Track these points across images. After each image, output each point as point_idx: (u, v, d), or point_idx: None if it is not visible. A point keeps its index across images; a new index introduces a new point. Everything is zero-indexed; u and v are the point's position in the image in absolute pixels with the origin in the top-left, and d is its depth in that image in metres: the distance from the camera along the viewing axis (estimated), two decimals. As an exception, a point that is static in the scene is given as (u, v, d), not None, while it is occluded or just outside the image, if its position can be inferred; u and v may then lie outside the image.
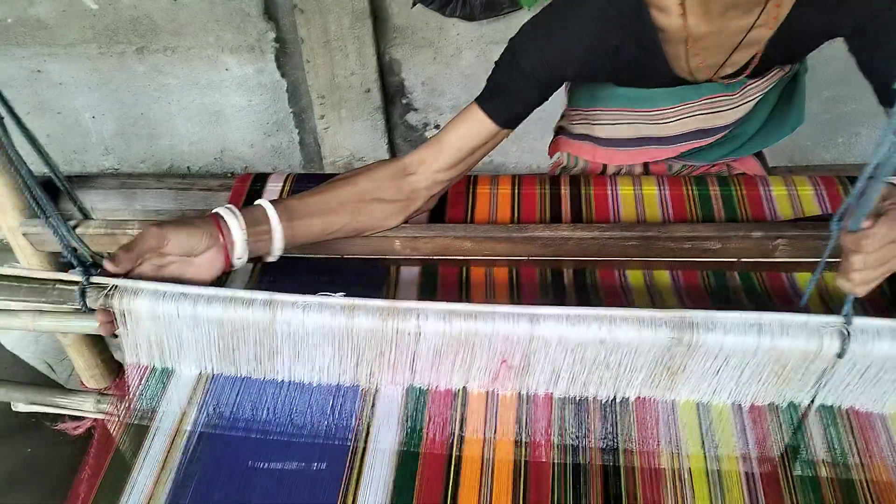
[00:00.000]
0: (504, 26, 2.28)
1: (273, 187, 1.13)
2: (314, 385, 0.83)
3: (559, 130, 1.27)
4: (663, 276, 0.97)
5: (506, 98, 0.91)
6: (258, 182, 1.14)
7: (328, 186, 0.92)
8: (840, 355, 0.70)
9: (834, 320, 0.71)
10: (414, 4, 2.12)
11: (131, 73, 2.52)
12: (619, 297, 0.94)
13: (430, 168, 0.93)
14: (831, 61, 2.28)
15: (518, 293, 0.95)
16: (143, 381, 0.84)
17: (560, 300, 0.94)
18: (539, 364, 0.77)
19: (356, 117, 2.50)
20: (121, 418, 0.81)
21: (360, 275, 1.01)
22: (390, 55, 2.41)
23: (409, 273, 1.01)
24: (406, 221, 0.97)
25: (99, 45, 2.45)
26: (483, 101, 0.92)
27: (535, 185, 1.09)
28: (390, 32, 2.35)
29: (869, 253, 0.68)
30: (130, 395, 0.83)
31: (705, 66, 0.94)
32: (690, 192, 1.06)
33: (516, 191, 1.10)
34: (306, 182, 1.14)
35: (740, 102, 1.03)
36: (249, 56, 2.47)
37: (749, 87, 1.01)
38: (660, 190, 1.06)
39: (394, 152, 2.65)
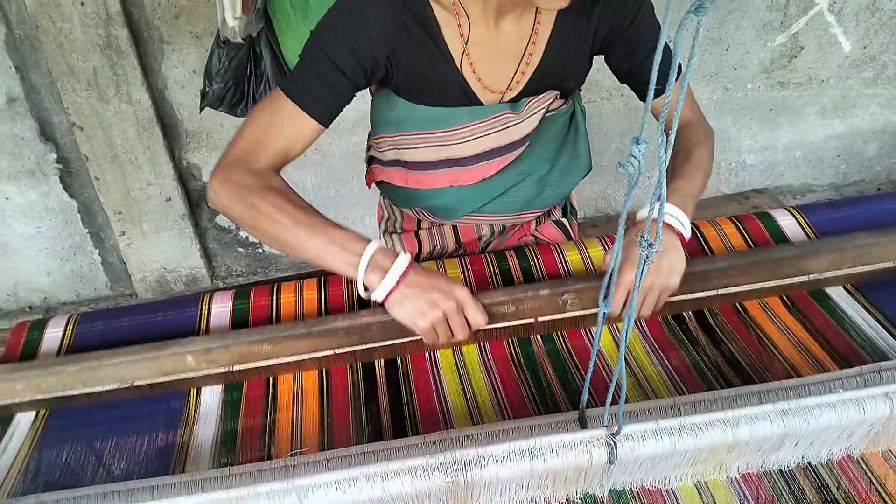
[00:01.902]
0: (301, 118, 2.28)
1: (53, 333, 1.03)
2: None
3: (371, 160, 1.30)
4: (472, 352, 0.97)
5: (322, 93, 0.96)
6: (36, 330, 1.03)
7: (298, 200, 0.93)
8: (611, 462, 0.72)
9: (599, 434, 0.73)
10: (202, 109, 2.06)
11: None
12: (430, 386, 0.92)
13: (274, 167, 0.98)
14: (616, 115, 2.52)
15: (328, 400, 0.91)
16: None
17: (372, 398, 0.91)
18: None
19: (161, 228, 2.37)
20: None
21: (155, 404, 0.92)
22: (187, 160, 2.33)
23: (211, 395, 0.93)
24: None
25: None
26: (301, 101, 0.96)
27: (342, 283, 1.07)
28: (183, 138, 2.28)
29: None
30: None
31: (488, 85, 1.05)
32: (492, 271, 1.09)
33: (323, 295, 1.07)
34: (90, 321, 1.04)
35: (526, 116, 1.10)
36: (31, 181, 2.28)
37: (531, 104, 1.10)
38: (463, 271, 1.09)
39: (209, 257, 2.54)
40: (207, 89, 2.08)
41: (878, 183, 3.01)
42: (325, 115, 0.98)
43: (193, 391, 0.94)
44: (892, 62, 2.63)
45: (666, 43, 0.49)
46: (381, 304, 0.89)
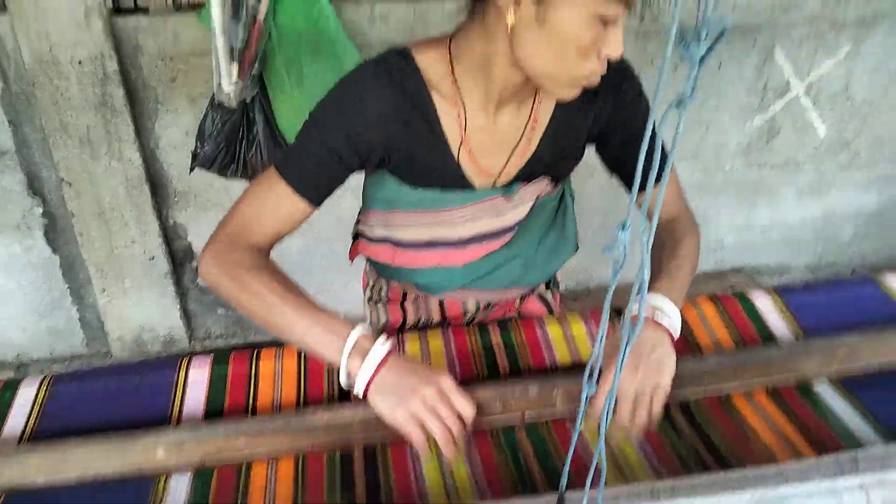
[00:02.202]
0: (289, 182, 2.30)
1: (26, 394, 1.01)
2: None
3: (358, 234, 1.30)
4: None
5: (316, 176, 0.98)
6: (7, 390, 1.02)
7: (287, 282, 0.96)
8: None
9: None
10: (192, 170, 2.09)
11: None
12: (408, 467, 0.91)
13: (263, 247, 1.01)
14: (599, 192, 2.57)
15: (302, 492, 0.88)
16: None
17: (349, 485, 0.88)
18: None
19: (142, 286, 2.36)
20: None
21: (122, 492, 0.87)
22: (174, 219, 2.33)
23: (178, 485, 0.89)
24: None
25: None
26: (295, 183, 0.98)
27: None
28: (171, 197, 2.29)
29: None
30: None
31: (483, 170, 1.06)
32: (475, 345, 1.09)
33: (302, 365, 1.06)
34: (65, 383, 1.03)
35: (519, 204, 1.11)
36: (15, 235, 2.27)
37: (522, 191, 1.11)
38: (446, 345, 1.09)
39: (188, 318, 2.51)
40: (199, 150, 2.12)
41: (852, 265, 3.07)
42: (319, 198, 1.00)
43: (162, 478, 0.89)
44: (865, 149, 2.73)
45: (662, 142, 0.51)
46: (364, 398, 0.88)
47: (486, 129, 1.04)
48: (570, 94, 0.93)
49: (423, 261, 1.17)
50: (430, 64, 1.00)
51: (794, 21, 2.37)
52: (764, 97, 2.51)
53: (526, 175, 1.10)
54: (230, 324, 2.55)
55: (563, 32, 0.85)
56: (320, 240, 2.44)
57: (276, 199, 0.99)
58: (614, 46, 0.87)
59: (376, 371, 0.86)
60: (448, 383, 0.87)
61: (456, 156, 1.04)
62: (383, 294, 1.33)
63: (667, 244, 1.09)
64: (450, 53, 1.00)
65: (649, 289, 0.99)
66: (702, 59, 0.42)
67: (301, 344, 0.91)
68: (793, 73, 2.48)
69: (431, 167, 1.05)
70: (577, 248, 1.27)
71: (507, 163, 1.08)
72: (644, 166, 0.49)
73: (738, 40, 2.37)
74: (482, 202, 1.09)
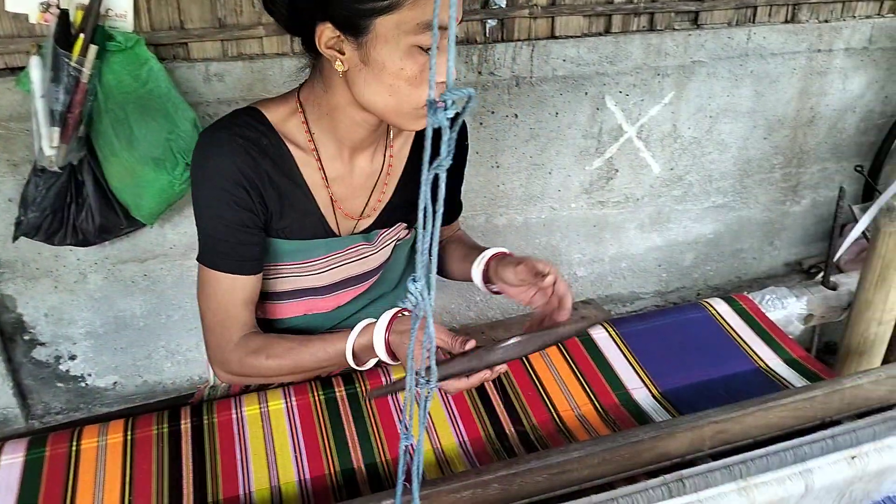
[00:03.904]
0: (130, 245, 2.20)
1: None
2: None
3: None
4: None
5: (242, 251, 1.03)
6: None
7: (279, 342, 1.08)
8: None
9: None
10: (15, 238, 1.95)
11: None
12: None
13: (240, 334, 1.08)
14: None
15: None
16: None
17: None
18: None
19: (-34, 366, 2.16)
20: None
21: None
22: (1, 291, 2.16)
23: None
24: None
25: None
26: (234, 269, 1.03)
27: (153, 424, 1.03)
28: (-5, 268, 2.13)
29: None
30: None
31: (346, 216, 1.12)
32: (317, 399, 1.09)
33: (129, 437, 1.01)
34: None
35: (379, 248, 1.17)
36: None
37: (382, 236, 1.16)
38: (286, 402, 1.08)
39: (23, 394, 2.32)
40: (23, 218, 1.98)
41: (696, 289, 3.29)
42: (258, 266, 1.06)
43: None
44: (697, 181, 2.94)
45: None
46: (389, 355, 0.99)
47: (344, 177, 1.09)
48: (419, 124, 0.98)
49: (291, 311, 1.17)
50: (283, 119, 1.04)
51: (620, 71, 2.54)
52: (600, 141, 2.66)
53: (384, 222, 1.16)
54: (72, 397, 2.39)
55: (388, 68, 0.90)
56: (165, 302, 2.34)
57: (229, 292, 1.04)
58: (440, 72, 0.92)
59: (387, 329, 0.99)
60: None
61: (320, 206, 1.08)
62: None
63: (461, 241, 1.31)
64: (300, 106, 1.04)
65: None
66: (454, 123, 0.45)
67: (329, 363, 1.06)
68: (624, 118, 2.65)
69: (297, 220, 1.08)
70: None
71: (365, 208, 1.13)
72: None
73: (570, 90, 2.50)
74: (346, 250, 1.13)
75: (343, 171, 1.08)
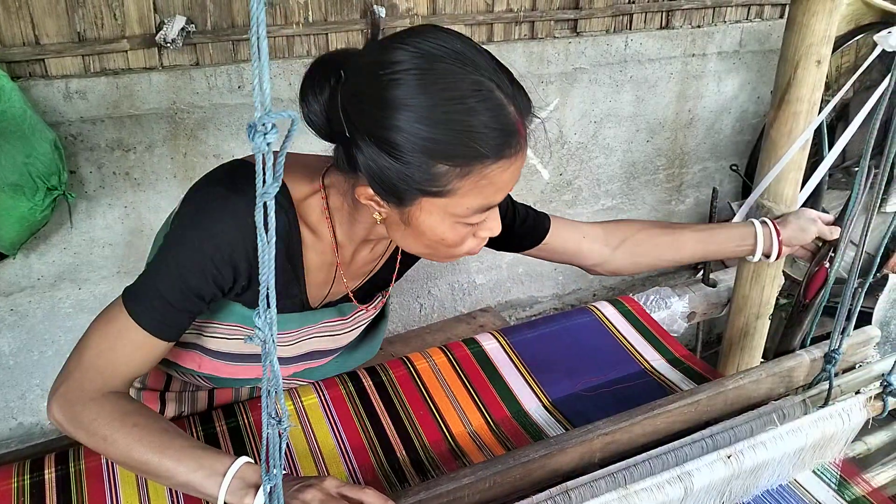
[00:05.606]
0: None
1: None
2: None
3: None
4: None
5: (177, 318, 0.90)
6: None
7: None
8: None
9: None
10: None
11: None
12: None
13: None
14: (420, 264, 2.56)
15: None
16: None
17: None
18: None
19: None
20: None
21: None
22: None
23: None
24: None
25: None
26: (153, 328, 0.88)
27: (11, 477, 0.96)
28: None
29: None
30: None
31: (327, 290, 1.04)
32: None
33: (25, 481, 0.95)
34: None
35: (353, 327, 1.11)
36: None
37: (358, 314, 1.11)
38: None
39: None
40: None
41: (592, 290, 3.37)
42: (179, 334, 0.92)
43: None
44: (586, 185, 3.01)
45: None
46: None
47: (346, 263, 1.02)
48: (450, 261, 0.95)
49: (239, 373, 1.09)
50: (304, 196, 0.94)
51: (505, 78, 2.56)
52: (490, 148, 2.67)
53: (363, 295, 1.10)
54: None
55: (430, 234, 0.85)
56: (35, 338, 2.16)
57: (131, 346, 0.89)
58: (491, 227, 0.88)
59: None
60: (333, 482, 0.82)
61: (307, 287, 1.00)
62: (139, 381, 1.18)
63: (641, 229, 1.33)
64: (324, 191, 0.94)
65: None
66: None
67: (180, 487, 0.90)
68: (511, 125, 2.67)
69: (278, 292, 0.96)
70: (375, 352, 1.29)
71: (362, 282, 1.08)
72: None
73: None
74: (318, 325, 1.07)
75: (346, 259, 1.01)
